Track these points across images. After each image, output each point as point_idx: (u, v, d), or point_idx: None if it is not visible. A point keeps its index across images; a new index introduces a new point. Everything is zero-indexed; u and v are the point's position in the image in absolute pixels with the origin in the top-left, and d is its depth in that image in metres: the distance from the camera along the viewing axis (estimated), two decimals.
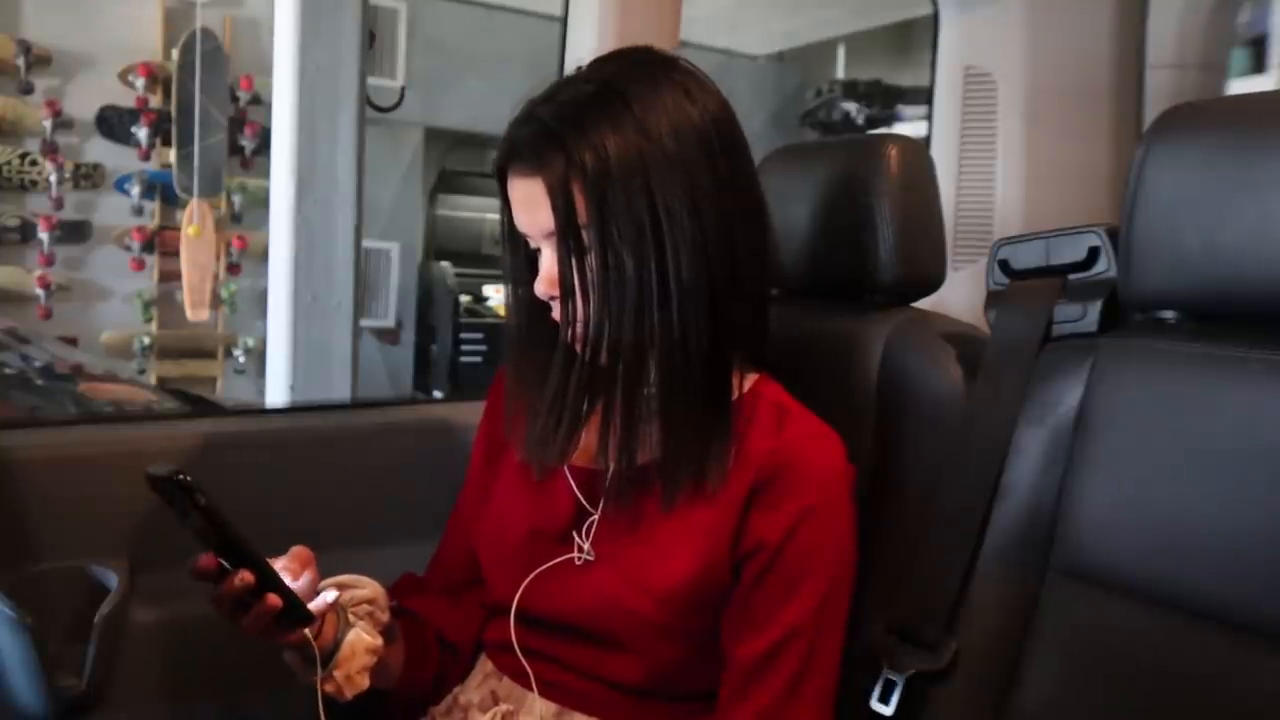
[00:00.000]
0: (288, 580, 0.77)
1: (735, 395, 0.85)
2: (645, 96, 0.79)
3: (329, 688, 0.83)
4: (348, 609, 0.85)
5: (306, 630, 0.79)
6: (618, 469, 0.83)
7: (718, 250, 0.79)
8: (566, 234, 0.78)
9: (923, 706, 0.79)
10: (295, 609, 0.76)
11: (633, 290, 0.78)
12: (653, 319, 0.78)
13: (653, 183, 0.77)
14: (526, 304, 0.86)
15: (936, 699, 0.78)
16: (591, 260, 0.78)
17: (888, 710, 0.80)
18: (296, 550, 0.81)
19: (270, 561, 0.77)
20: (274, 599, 0.75)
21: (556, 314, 0.82)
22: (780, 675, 0.79)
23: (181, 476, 0.70)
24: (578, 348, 0.82)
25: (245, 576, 0.74)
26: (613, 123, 0.77)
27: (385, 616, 0.87)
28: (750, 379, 0.87)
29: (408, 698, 0.91)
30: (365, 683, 0.84)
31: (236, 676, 1.08)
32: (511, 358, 0.90)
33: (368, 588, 0.87)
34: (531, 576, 0.86)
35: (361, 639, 0.84)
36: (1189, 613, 0.68)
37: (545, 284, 0.81)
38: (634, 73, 0.81)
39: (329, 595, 0.80)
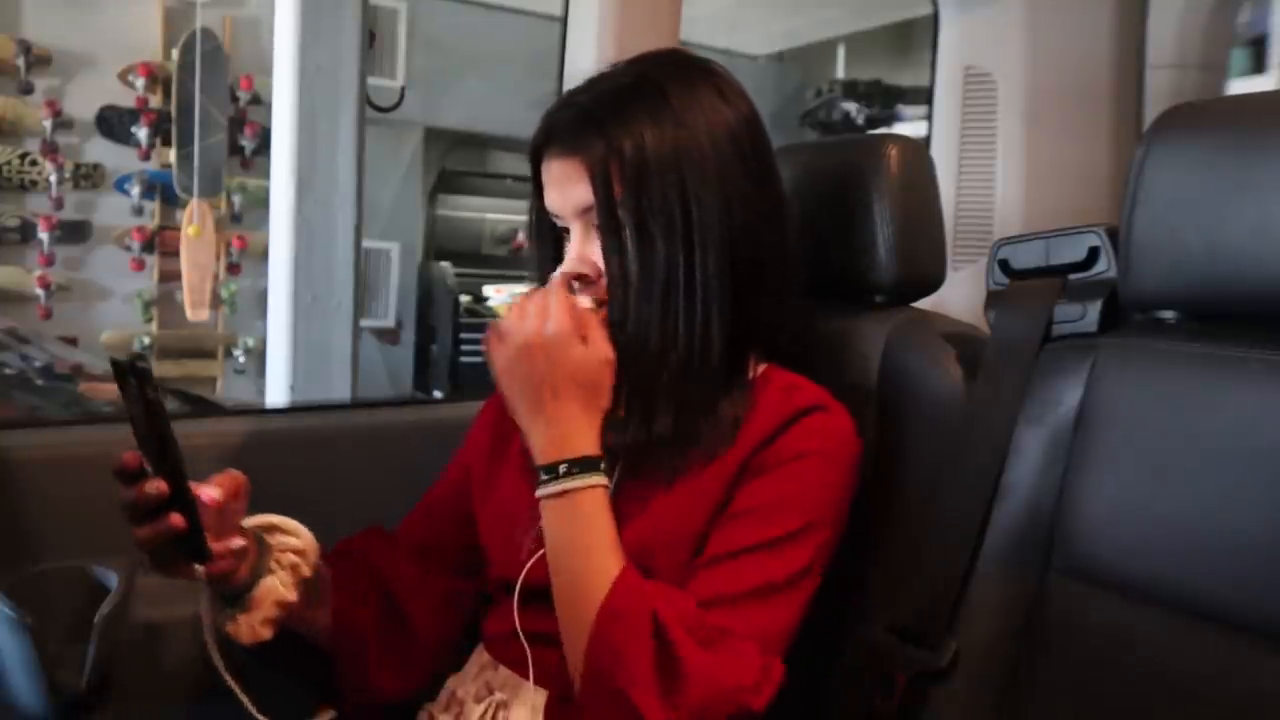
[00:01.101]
0: (209, 494, 0.75)
1: (749, 376, 0.86)
2: (682, 93, 0.82)
3: (230, 629, 0.82)
4: (272, 553, 0.84)
5: (199, 567, 0.76)
6: (628, 451, 0.83)
7: (744, 246, 0.81)
8: (602, 214, 0.80)
9: (923, 706, 0.79)
10: (195, 539, 0.73)
11: (661, 277, 0.79)
12: (679, 307, 0.80)
13: (687, 175, 0.80)
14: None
15: (936, 699, 0.78)
16: (624, 245, 0.80)
17: (887, 710, 0.80)
18: (232, 472, 0.79)
19: (200, 486, 0.75)
20: (177, 519, 0.72)
21: (581, 295, 0.83)
22: (731, 579, 0.77)
23: (140, 363, 0.70)
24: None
25: (160, 485, 0.72)
26: (651, 114, 0.80)
27: (309, 573, 0.86)
28: (761, 367, 0.88)
29: (346, 653, 0.91)
30: (267, 634, 0.83)
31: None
32: None
33: (301, 538, 0.87)
34: (540, 554, 0.85)
35: (275, 589, 0.83)
36: (1189, 612, 0.68)
37: (571, 264, 0.83)
38: (670, 70, 0.84)
39: (234, 542, 0.78)
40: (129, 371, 0.70)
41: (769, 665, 0.75)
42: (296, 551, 0.86)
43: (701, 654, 0.72)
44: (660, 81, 0.82)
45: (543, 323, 0.78)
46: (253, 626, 0.83)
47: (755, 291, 0.83)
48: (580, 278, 0.83)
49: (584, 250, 0.83)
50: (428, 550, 0.97)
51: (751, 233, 0.82)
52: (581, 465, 0.78)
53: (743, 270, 0.82)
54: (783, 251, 0.86)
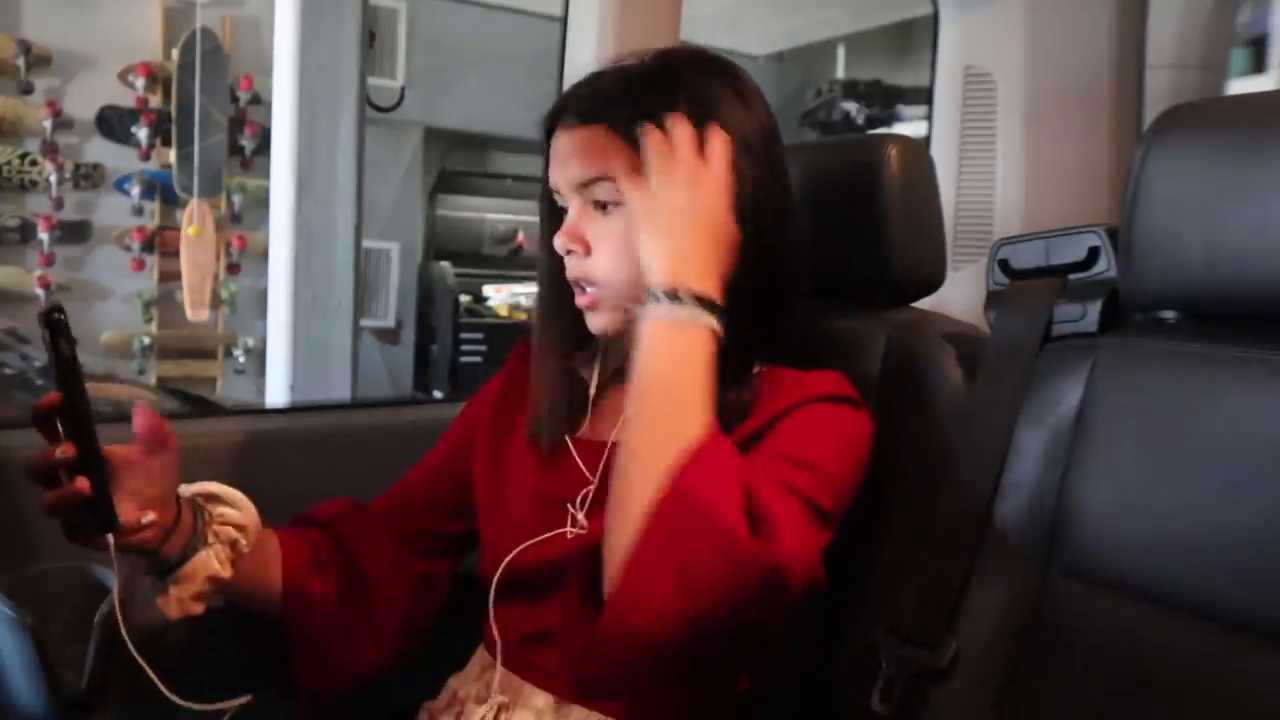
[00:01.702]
0: (122, 451, 0.72)
1: (755, 371, 0.85)
2: (701, 87, 0.82)
3: (159, 601, 0.80)
4: (210, 525, 0.82)
5: (110, 538, 0.73)
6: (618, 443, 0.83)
7: (750, 246, 0.80)
8: (592, 185, 0.81)
9: (923, 706, 0.79)
10: (101, 507, 0.70)
11: None
12: None
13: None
14: (555, 276, 0.87)
15: (936, 699, 0.78)
16: (614, 219, 0.80)
17: (887, 710, 0.80)
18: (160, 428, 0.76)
19: (121, 447, 0.72)
20: (82, 484, 0.69)
21: (570, 272, 0.83)
22: (782, 474, 0.74)
23: (56, 315, 0.66)
24: (580, 302, 0.83)
25: (67, 449, 0.69)
26: (666, 100, 0.80)
27: (247, 548, 0.84)
28: (764, 368, 0.86)
29: (298, 625, 0.90)
30: (197, 609, 0.81)
31: (237, 677, 1.08)
32: (536, 328, 0.92)
33: (242, 511, 0.84)
34: (529, 544, 0.85)
35: (208, 564, 0.80)
36: (1189, 612, 0.68)
37: (563, 236, 0.83)
38: (691, 65, 0.84)
39: (147, 515, 0.75)
40: (44, 325, 0.66)
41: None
42: (237, 525, 0.83)
43: (788, 514, 0.70)
44: (680, 72, 0.82)
45: (712, 161, 0.77)
46: (182, 601, 0.80)
47: (761, 292, 0.83)
48: (569, 252, 0.83)
49: (576, 224, 0.83)
50: (397, 531, 0.97)
51: (759, 234, 0.82)
52: (702, 302, 0.74)
53: (748, 269, 0.81)
54: (791, 255, 0.86)
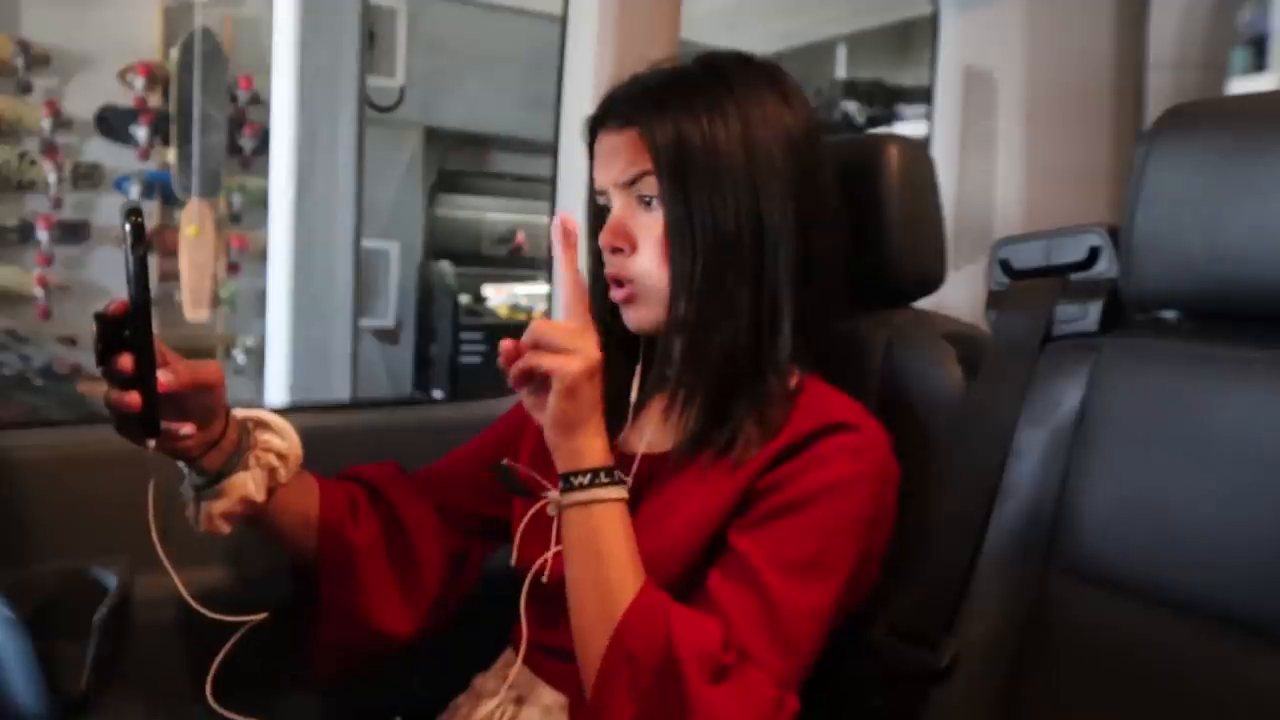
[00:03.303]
0: (163, 378, 0.75)
1: (791, 385, 0.83)
2: (745, 86, 0.82)
3: (189, 512, 0.83)
4: (254, 450, 0.84)
5: (150, 441, 0.76)
6: (646, 452, 0.85)
7: (794, 245, 0.80)
8: (637, 181, 0.81)
9: (923, 706, 0.79)
10: (148, 414, 0.74)
11: (687, 255, 0.79)
12: (731, 289, 0.79)
13: (739, 163, 0.79)
14: (602, 291, 0.87)
15: (936, 699, 0.78)
16: (659, 214, 0.80)
17: (887, 710, 0.80)
18: (209, 364, 0.79)
19: (171, 364, 0.77)
20: (133, 398, 0.73)
21: (611, 269, 0.83)
22: (753, 599, 0.74)
23: (136, 217, 0.70)
24: (616, 296, 0.83)
25: (124, 361, 0.73)
26: (712, 99, 0.80)
27: (284, 477, 0.86)
28: (799, 376, 0.85)
29: (332, 574, 0.91)
30: (224, 529, 0.83)
31: (236, 677, 1.07)
32: None
33: (287, 441, 0.87)
34: (549, 555, 0.84)
35: (244, 485, 0.82)
36: (1189, 612, 0.68)
37: (609, 233, 0.82)
38: (735, 65, 0.84)
39: (184, 428, 0.77)
40: (125, 224, 0.70)
41: (783, 699, 0.73)
42: (279, 454, 0.85)
43: (709, 689, 0.70)
44: (725, 71, 0.83)
45: (573, 355, 0.73)
46: (211, 516, 0.82)
47: (802, 298, 0.82)
48: (616, 250, 0.82)
49: (621, 221, 0.82)
50: (436, 502, 0.98)
51: (801, 236, 0.81)
52: (598, 474, 0.75)
53: (788, 275, 0.81)
54: (833, 258, 0.85)
